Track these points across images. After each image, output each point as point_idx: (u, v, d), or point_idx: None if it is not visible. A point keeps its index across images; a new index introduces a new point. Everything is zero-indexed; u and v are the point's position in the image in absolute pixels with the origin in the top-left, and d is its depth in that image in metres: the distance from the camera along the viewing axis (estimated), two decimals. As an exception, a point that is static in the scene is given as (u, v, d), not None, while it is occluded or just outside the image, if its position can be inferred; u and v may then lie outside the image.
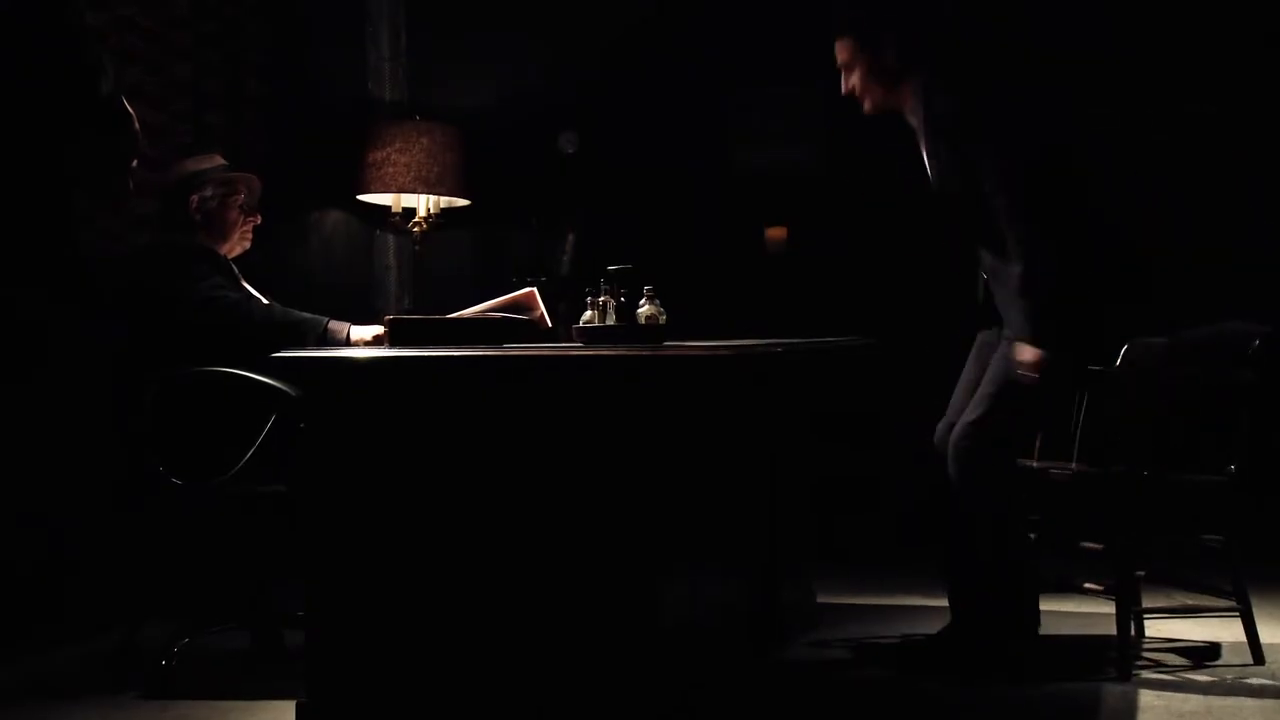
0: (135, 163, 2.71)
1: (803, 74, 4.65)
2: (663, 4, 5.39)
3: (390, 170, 4.94)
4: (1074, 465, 3.69)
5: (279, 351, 2.91)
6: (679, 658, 2.76)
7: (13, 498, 3.61)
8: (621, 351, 2.84)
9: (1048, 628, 3.59)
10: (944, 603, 3.55)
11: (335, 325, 3.51)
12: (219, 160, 3.73)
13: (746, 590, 3.43)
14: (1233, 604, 3.47)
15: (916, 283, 5.07)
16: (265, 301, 3.60)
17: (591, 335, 3.05)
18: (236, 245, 3.71)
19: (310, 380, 2.93)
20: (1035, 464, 3.66)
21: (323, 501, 2.84)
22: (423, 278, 5.43)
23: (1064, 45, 4.98)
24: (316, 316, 3.52)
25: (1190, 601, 3.86)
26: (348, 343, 3.47)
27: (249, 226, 3.71)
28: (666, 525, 2.73)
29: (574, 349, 2.96)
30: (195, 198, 3.61)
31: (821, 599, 4.14)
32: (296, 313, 3.53)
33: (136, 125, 2.62)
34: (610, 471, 2.69)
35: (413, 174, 4.95)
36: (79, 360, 3.65)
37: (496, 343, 3.02)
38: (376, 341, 3.43)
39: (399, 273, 5.54)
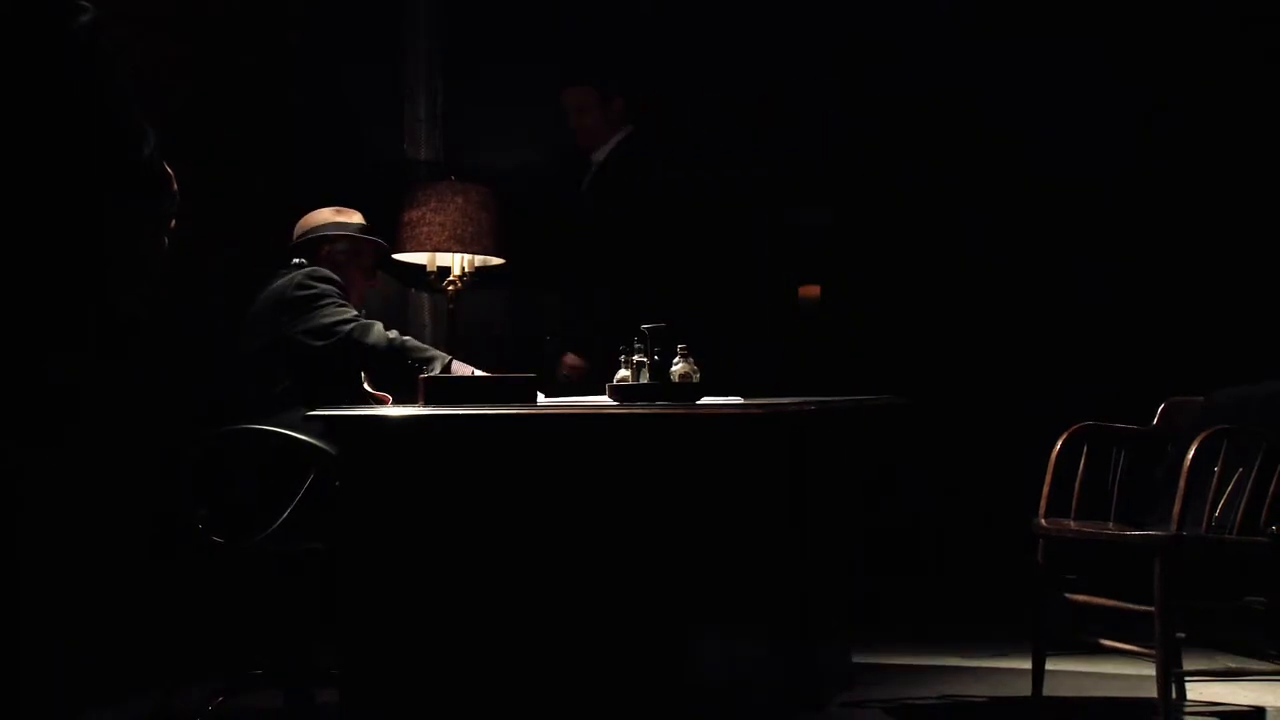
0: (173, 224, 2.72)
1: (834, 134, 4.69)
2: (695, 64, 5.43)
3: (425, 230, 4.97)
4: (1111, 525, 3.65)
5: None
6: (710, 716, 2.73)
7: (48, 557, 3.61)
8: (655, 410, 2.85)
9: (1086, 689, 3.52)
10: (981, 663, 3.51)
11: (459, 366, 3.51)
12: (359, 218, 3.81)
13: (780, 649, 3.40)
14: (1278, 667, 3.41)
15: (948, 340, 5.06)
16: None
17: (625, 393, 3.05)
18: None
19: (347, 438, 2.95)
20: (1073, 524, 3.61)
21: (358, 558, 2.84)
22: (457, 336, 5.45)
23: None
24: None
25: (1233, 664, 3.80)
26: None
27: (365, 289, 3.79)
28: (698, 582, 2.72)
29: (608, 407, 2.96)
30: (326, 249, 3.70)
31: (858, 659, 4.09)
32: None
33: (175, 187, 2.64)
34: (643, 528, 2.69)
35: (448, 233, 4.97)
36: (115, 420, 3.67)
37: (529, 401, 3.03)
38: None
39: (434, 331, 5.56)
